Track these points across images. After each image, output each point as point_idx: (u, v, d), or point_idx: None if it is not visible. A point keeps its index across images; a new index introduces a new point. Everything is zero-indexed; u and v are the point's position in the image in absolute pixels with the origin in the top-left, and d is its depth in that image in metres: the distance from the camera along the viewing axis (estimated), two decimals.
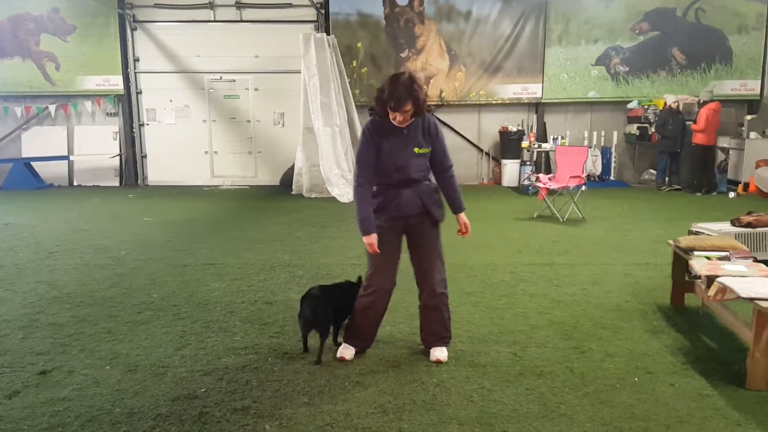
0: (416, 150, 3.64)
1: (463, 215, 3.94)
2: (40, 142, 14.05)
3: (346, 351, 3.80)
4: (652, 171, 13.45)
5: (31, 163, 13.59)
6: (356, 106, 12.60)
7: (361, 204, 3.65)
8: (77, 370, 3.64)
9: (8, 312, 4.76)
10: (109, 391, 3.36)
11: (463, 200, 3.90)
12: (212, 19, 13.71)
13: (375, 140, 3.61)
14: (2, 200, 11.45)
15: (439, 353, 3.76)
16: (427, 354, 3.81)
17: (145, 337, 4.21)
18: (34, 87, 13.91)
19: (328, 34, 12.58)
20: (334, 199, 11.01)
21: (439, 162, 3.78)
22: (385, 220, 3.69)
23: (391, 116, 3.52)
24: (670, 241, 4.87)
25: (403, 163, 3.63)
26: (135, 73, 13.98)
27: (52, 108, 13.96)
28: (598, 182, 13.04)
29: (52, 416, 3.09)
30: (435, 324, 3.85)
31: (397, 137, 3.62)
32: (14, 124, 14.13)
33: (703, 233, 5.36)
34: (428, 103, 3.66)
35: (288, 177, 12.77)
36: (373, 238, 3.63)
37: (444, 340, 3.86)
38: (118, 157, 14.11)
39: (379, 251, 3.64)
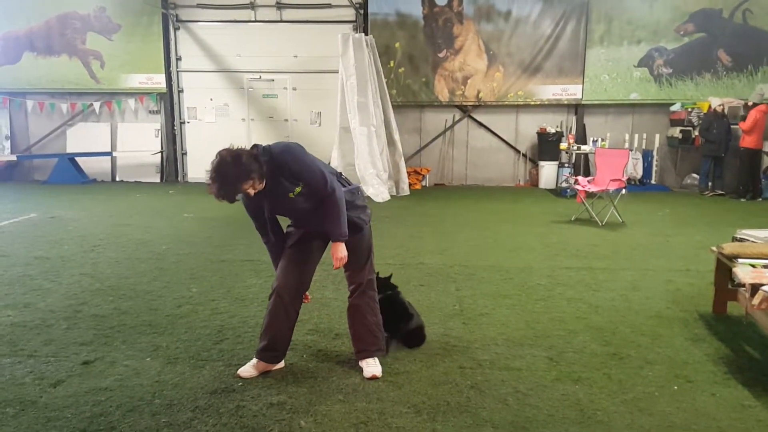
0: (290, 195, 3.29)
1: (337, 245, 3.41)
2: (84, 139, 14.44)
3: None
4: (694, 175, 13.15)
5: (76, 158, 13.98)
6: (393, 106, 12.62)
7: (270, 255, 3.63)
8: (119, 361, 3.74)
9: (53, 303, 4.91)
10: (149, 383, 3.44)
11: (341, 227, 3.35)
12: (253, 19, 13.90)
13: (244, 201, 3.38)
14: (48, 194, 11.81)
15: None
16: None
17: (184, 330, 4.30)
18: (80, 84, 14.30)
19: (366, 34, 12.62)
20: (368, 198, 11.04)
21: (316, 191, 3.32)
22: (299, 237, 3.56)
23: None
24: (714, 248, 4.75)
25: (289, 211, 3.44)
26: (177, 71, 14.25)
27: (96, 105, 14.34)
28: (638, 186, 12.79)
29: (95, 405, 3.18)
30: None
31: (267, 195, 3.30)
32: (60, 120, 14.55)
33: (749, 240, 5.21)
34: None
35: None
36: None
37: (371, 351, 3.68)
38: (160, 154, 14.40)
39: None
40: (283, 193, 3.28)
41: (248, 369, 3.55)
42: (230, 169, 3.05)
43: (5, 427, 2.96)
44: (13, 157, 14.07)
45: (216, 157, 3.11)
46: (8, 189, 12.69)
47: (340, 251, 3.40)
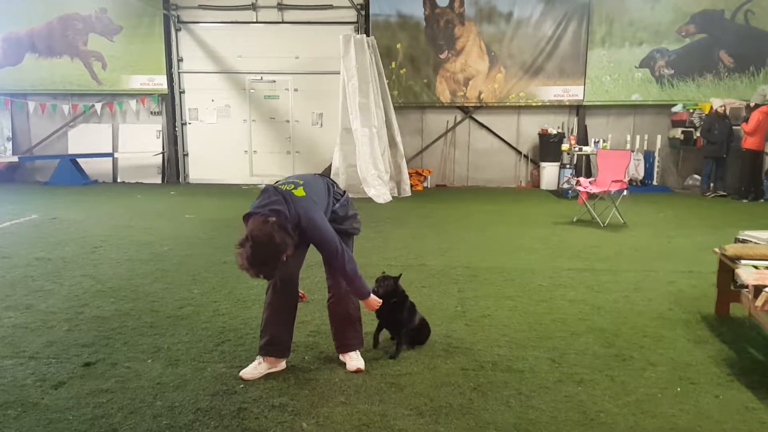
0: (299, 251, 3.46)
1: (366, 302, 3.60)
2: (86, 140, 14.45)
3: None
4: (696, 176, 13.13)
5: (77, 159, 13.99)
6: (394, 107, 12.61)
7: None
8: (120, 363, 3.73)
9: (55, 304, 4.90)
10: (150, 384, 3.43)
11: (362, 290, 3.53)
12: (254, 20, 13.90)
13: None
14: (49, 195, 11.81)
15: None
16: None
17: (186, 332, 4.29)
18: (82, 85, 14.31)
19: (368, 35, 12.62)
20: (370, 199, 11.04)
21: (327, 257, 3.47)
22: None
23: None
24: (716, 249, 4.74)
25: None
26: (178, 73, 14.26)
27: (98, 106, 14.35)
28: (640, 187, 12.78)
29: (96, 407, 3.17)
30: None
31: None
32: (61, 121, 14.57)
33: (751, 241, 5.20)
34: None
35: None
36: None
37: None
38: (161, 155, 14.41)
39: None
40: (299, 252, 3.47)
41: (250, 371, 3.55)
42: (267, 251, 3.07)
43: (7, 429, 2.95)
44: (15, 159, 14.08)
45: (248, 240, 3.07)
46: (10, 190, 12.69)
47: (371, 305, 3.59)
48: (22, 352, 3.90)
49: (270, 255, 3.09)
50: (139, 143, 14.38)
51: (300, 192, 3.36)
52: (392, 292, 3.83)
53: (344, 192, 3.77)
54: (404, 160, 12.46)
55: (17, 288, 5.36)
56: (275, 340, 3.58)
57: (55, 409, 3.15)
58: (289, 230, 3.17)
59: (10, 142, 14.70)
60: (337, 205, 3.61)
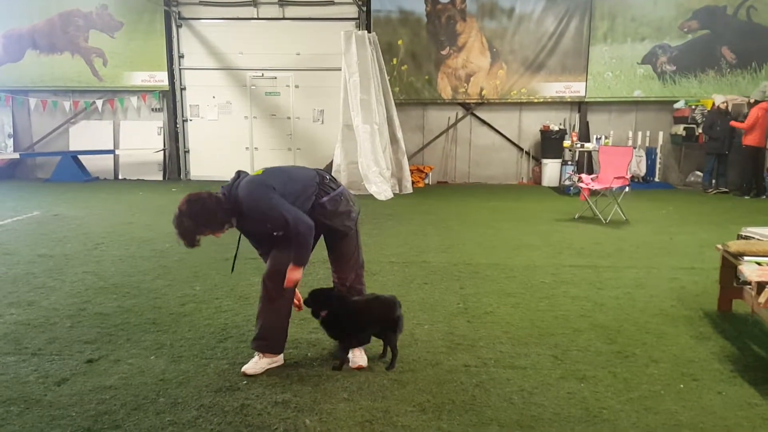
0: (263, 229, 3.49)
1: (294, 268, 3.47)
2: (87, 136, 14.44)
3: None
4: (698, 173, 13.11)
5: (79, 156, 13.99)
6: (396, 103, 12.59)
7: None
8: (123, 360, 3.73)
9: (57, 301, 4.91)
10: (153, 381, 3.43)
11: (302, 258, 3.45)
12: (255, 16, 13.88)
13: (242, 230, 3.63)
14: (51, 192, 11.81)
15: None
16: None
17: (188, 328, 4.29)
18: (82, 82, 14.30)
19: (369, 31, 12.60)
20: (371, 196, 11.03)
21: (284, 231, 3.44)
22: None
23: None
24: (719, 246, 4.73)
25: (269, 240, 3.58)
26: (179, 69, 14.24)
27: (99, 103, 14.34)
28: (642, 184, 12.76)
29: (99, 404, 3.17)
30: None
31: (248, 226, 3.54)
32: (63, 118, 14.56)
33: (754, 238, 5.19)
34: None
35: None
36: None
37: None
38: (162, 152, 14.40)
39: None
40: (261, 230, 3.50)
41: (252, 366, 3.56)
42: (188, 223, 3.27)
43: (10, 426, 2.95)
44: (16, 155, 14.06)
45: (177, 209, 3.29)
46: (11, 187, 12.69)
47: (294, 274, 3.46)
48: (24, 349, 3.90)
49: (189, 228, 3.27)
50: (140, 140, 14.36)
51: (257, 173, 3.50)
52: (322, 303, 3.63)
53: (339, 186, 3.68)
54: (405, 156, 12.44)
55: (19, 285, 5.36)
56: (261, 335, 3.58)
57: (58, 405, 3.15)
58: (217, 208, 3.29)
59: (12, 139, 14.68)
60: (325, 198, 3.54)
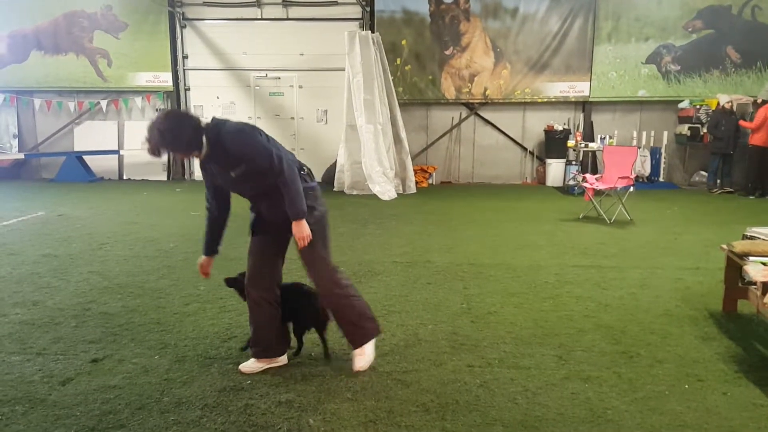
0: (232, 174, 3.31)
1: (297, 224, 3.35)
2: (91, 137, 14.49)
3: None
4: (703, 173, 13.07)
5: (83, 156, 14.02)
6: (399, 103, 12.60)
7: (206, 224, 3.58)
8: (127, 359, 3.74)
9: (62, 301, 4.92)
10: (158, 380, 3.44)
11: (298, 206, 3.31)
12: (259, 17, 13.90)
13: (202, 167, 3.45)
14: (55, 192, 11.85)
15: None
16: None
17: (192, 328, 4.30)
18: (87, 83, 14.34)
19: (372, 31, 12.60)
20: (375, 196, 11.04)
21: (268, 171, 3.29)
22: (259, 221, 3.57)
23: None
24: (724, 246, 4.71)
25: (233, 188, 3.44)
26: (184, 70, 14.28)
27: (103, 103, 14.38)
28: (646, 184, 12.75)
29: (104, 403, 3.18)
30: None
31: (211, 166, 3.39)
32: (67, 118, 14.61)
33: (759, 238, 5.17)
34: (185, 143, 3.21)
35: (330, 174, 12.87)
36: (202, 260, 3.62)
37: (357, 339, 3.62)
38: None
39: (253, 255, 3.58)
40: (225, 172, 3.32)
41: (250, 365, 3.56)
42: (158, 133, 3.12)
43: (15, 425, 2.96)
44: (21, 156, 14.11)
45: (163, 112, 3.25)
46: (16, 187, 12.74)
47: (300, 230, 3.33)
48: (29, 349, 3.92)
49: (157, 135, 3.13)
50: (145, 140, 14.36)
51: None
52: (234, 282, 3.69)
53: (314, 181, 3.58)
54: (409, 156, 12.45)
55: (24, 284, 5.38)
56: (254, 341, 3.59)
57: (62, 405, 3.16)
58: (193, 130, 3.17)
59: (16, 140, 14.74)
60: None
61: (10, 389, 3.33)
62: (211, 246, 3.60)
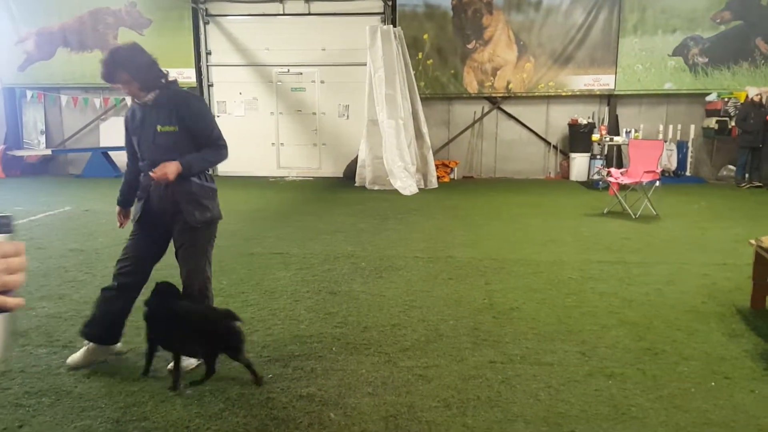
0: (159, 128, 3.31)
1: (174, 165, 3.25)
2: (117, 133, 14.63)
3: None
4: (731, 167, 12.82)
5: (109, 152, 14.21)
6: (421, 98, 12.54)
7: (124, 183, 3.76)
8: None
9: (87, 294, 4.99)
10: (181, 374, 3.46)
11: (195, 165, 3.36)
12: (281, 12, 13.93)
13: (126, 123, 3.54)
14: (82, 188, 12.03)
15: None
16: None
17: None
18: None
19: (394, 26, 12.55)
20: (396, 191, 11.02)
21: (198, 139, 3.38)
22: (142, 209, 3.57)
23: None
24: (752, 241, 4.62)
25: (144, 145, 3.41)
26: (207, 66, 14.37)
27: (128, 100, 14.49)
28: (673, 178, 12.54)
29: (128, 395, 3.22)
30: None
31: (142, 115, 3.40)
32: (93, 114, 14.81)
33: None
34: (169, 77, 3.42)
35: (351, 169, 12.88)
36: (117, 209, 3.78)
37: None
38: None
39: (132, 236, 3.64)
40: (152, 124, 3.35)
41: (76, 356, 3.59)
42: (116, 58, 3.24)
43: (41, 416, 3.01)
44: (48, 152, 14.37)
45: (127, 43, 3.41)
46: (44, 182, 12.96)
47: (170, 168, 3.24)
48: (56, 341, 3.98)
49: (115, 58, 3.25)
50: None
51: None
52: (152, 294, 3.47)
53: (214, 183, 3.67)
54: (431, 151, 12.39)
55: (51, 278, 5.47)
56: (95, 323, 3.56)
57: (88, 397, 3.21)
58: (151, 69, 3.35)
59: (44, 136, 15.00)
60: (200, 180, 3.51)
61: (37, 381, 3.39)
62: (127, 198, 3.80)
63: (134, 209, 3.65)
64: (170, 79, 3.41)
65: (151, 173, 3.29)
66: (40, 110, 14.93)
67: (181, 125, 3.32)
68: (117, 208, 3.81)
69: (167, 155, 3.31)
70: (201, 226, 3.47)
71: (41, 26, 14.44)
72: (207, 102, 14.37)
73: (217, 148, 3.46)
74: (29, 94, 14.66)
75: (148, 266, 3.65)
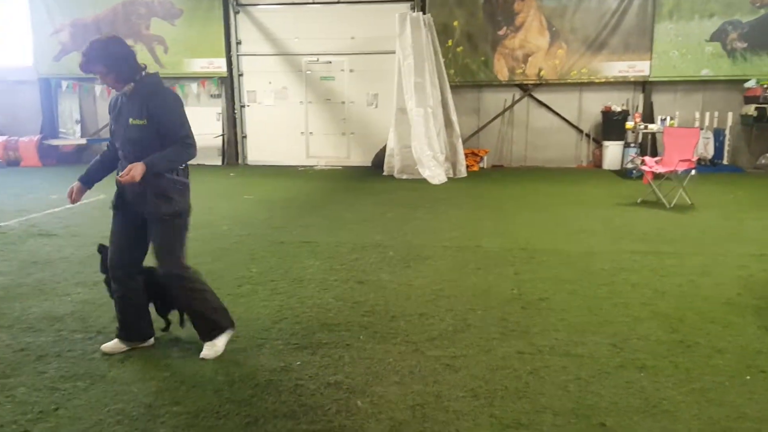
0: (131, 120, 3.38)
1: (140, 165, 3.31)
2: None
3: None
4: None
5: None
6: (451, 86, 12.43)
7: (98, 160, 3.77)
8: (182, 339, 3.85)
9: None
10: (211, 360, 3.52)
11: (159, 163, 3.38)
12: (311, 1, 13.92)
13: (109, 108, 3.58)
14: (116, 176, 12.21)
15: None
16: None
17: (244, 309, 4.38)
18: None
19: (424, 12, 12.44)
20: (425, 180, 10.97)
21: (166, 136, 3.42)
22: (118, 195, 3.60)
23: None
24: None
25: (118, 135, 3.50)
26: (237, 55, 14.45)
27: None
28: (709, 167, 12.23)
29: (160, 381, 3.28)
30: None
31: (120, 105, 3.47)
32: None
33: None
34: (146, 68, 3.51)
35: (380, 158, 12.85)
36: (76, 185, 3.65)
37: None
38: (221, 137, 14.70)
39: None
40: (126, 116, 3.41)
41: (110, 345, 3.65)
42: (97, 49, 3.37)
43: (77, 399, 3.09)
44: (83, 141, 14.64)
45: (106, 34, 3.50)
46: (79, 171, 13.03)
47: (135, 168, 3.29)
48: (90, 327, 4.07)
49: (95, 49, 3.39)
50: (200, 125, 14.60)
51: None
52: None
53: (188, 179, 3.73)
54: (460, 140, 12.29)
55: (86, 265, 5.58)
56: (119, 324, 3.66)
57: (121, 381, 3.28)
58: (129, 63, 3.38)
59: (79, 125, 15.30)
60: (173, 175, 3.54)
61: (73, 365, 3.48)
62: (91, 178, 3.73)
63: (113, 196, 3.68)
64: (149, 72, 3.49)
65: (118, 178, 3.42)
66: (75, 100, 15.23)
67: (150, 119, 3.37)
68: (76, 183, 3.68)
69: (135, 148, 3.41)
70: (167, 218, 3.53)
71: (76, 17, 14.68)
72: (236, 92, 14.48)
73: (184, 146, 3.46)
74: (64, 84, 14.94)
75: (135, 252, 3.65)
